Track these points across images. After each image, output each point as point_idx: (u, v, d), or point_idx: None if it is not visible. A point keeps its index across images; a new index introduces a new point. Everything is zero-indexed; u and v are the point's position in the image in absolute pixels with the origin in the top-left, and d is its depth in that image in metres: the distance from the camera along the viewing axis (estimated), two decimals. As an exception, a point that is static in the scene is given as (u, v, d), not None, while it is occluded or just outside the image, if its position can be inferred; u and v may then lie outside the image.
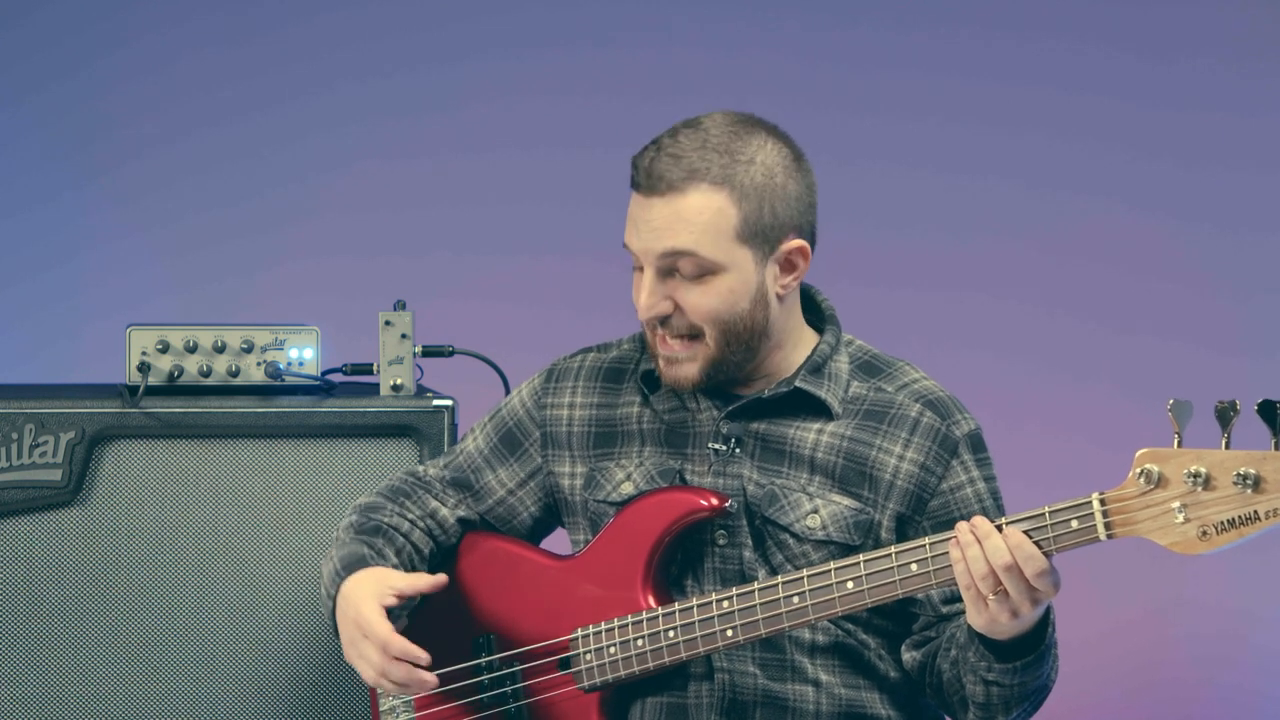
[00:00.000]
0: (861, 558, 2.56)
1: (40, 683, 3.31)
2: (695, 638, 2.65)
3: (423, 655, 2.65)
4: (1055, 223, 4.63)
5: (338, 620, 2.73)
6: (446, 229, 4.64)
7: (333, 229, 4.65)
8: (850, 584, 2.56)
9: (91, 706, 3.32)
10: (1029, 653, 2.53)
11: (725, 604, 2.63)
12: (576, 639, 2.72)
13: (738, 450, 2.72)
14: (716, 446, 2.72)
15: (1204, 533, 2.35)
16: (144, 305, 4.29)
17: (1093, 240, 4.62)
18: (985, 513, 2.67)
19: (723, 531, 2.70)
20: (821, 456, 2.70)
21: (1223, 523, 2.33)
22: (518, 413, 2.89)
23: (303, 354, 3.41)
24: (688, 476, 2.74)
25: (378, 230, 4.65)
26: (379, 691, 2.87)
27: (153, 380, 3.36)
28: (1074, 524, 2.42)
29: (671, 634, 2.66)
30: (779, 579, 2.61)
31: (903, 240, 4.62)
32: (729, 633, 2.63)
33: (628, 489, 2.76)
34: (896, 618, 2.72)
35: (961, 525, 2.47)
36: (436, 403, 3.38)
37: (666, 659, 2.67)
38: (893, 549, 2.55)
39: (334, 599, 2.74)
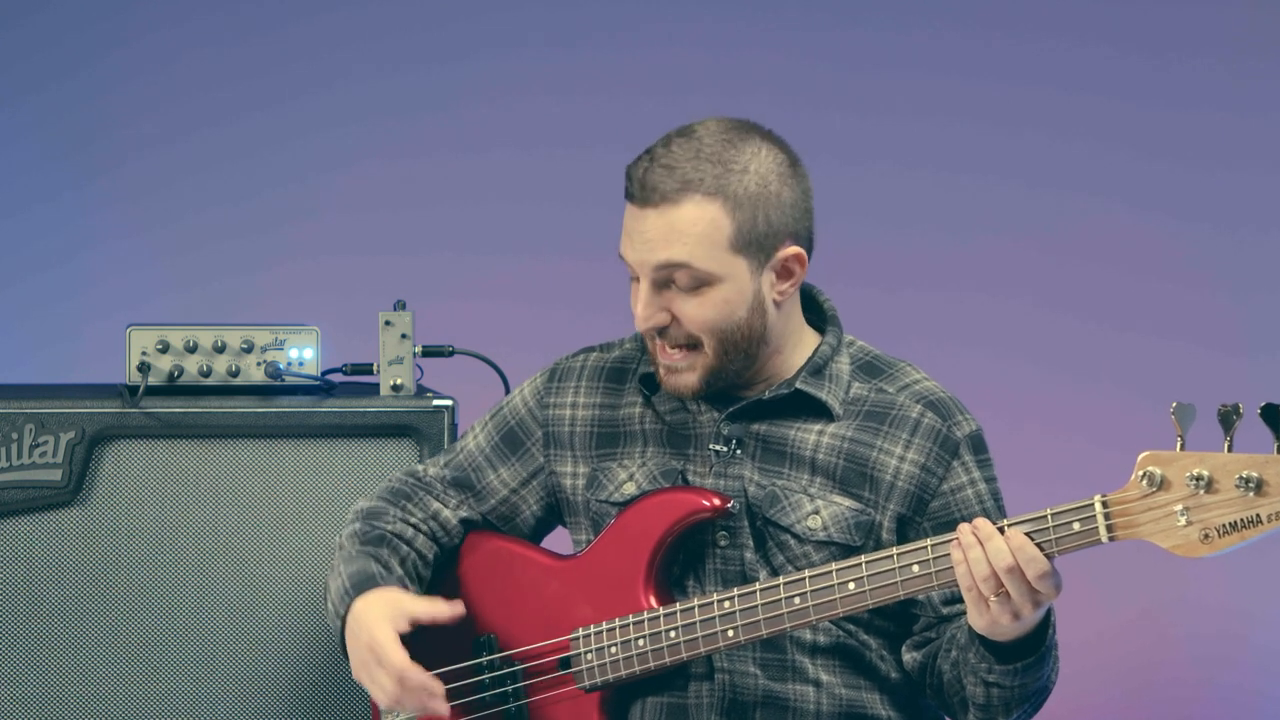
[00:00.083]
0: (863, 559, 2.56)
1: (40, 683, 3.31)
2: (696, 638, 2.65)
3: (439, 687, 2.65)
4: (1055, 223, 4.63)
5: (348, 640, 2.72)
6: (446, 229, 4.64)
7: (333, 229, 4.65)
8: (852, 585, 2.56)
9: (91, 706, 3.32)
10: (1030, 654, 2.53)
11: (726, 604, 2.63)
12: (577, 639, 2.72)
13: (739, 451, 2.72)
14: (717, 448, 2.72)
15: (1206, 535, 2.35)
16: (144, 305, 4.29)
17: (1093, 240, 4.62)
18: (986, 514, 2.67)
19: (724, 532, 2.71)
20: (822, 458, 2.70)
21: (1225, 525, 2.33)
22: (520, 412, 2.89)
23: (303, 354, 3.41)
24: (689, 477, 2.74)
25: (378, 230, 4.65)
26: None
27: (153, 380, 3.36)
28: (1076, 526, 2.42)
29: (672, 634, 2.66)
30: (780, 580, 2.61)
31: (903, 240, 4.62)
32: (730, 633, 2.63)
33: (630, 489, 2.76)
34: (897, 618, 2.72)
35: (963, 527, 2.47)
36: (436, 403, 3.38)
37: (667, 659, 2.67)
38: (894, 550, 2.55)
39: (344, 619, 2.73)
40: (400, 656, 2.64)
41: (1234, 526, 2.33)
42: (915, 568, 2.53)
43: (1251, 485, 2.31)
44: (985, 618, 2.48)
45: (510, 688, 2.77)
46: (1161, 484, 2.37)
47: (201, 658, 3.34)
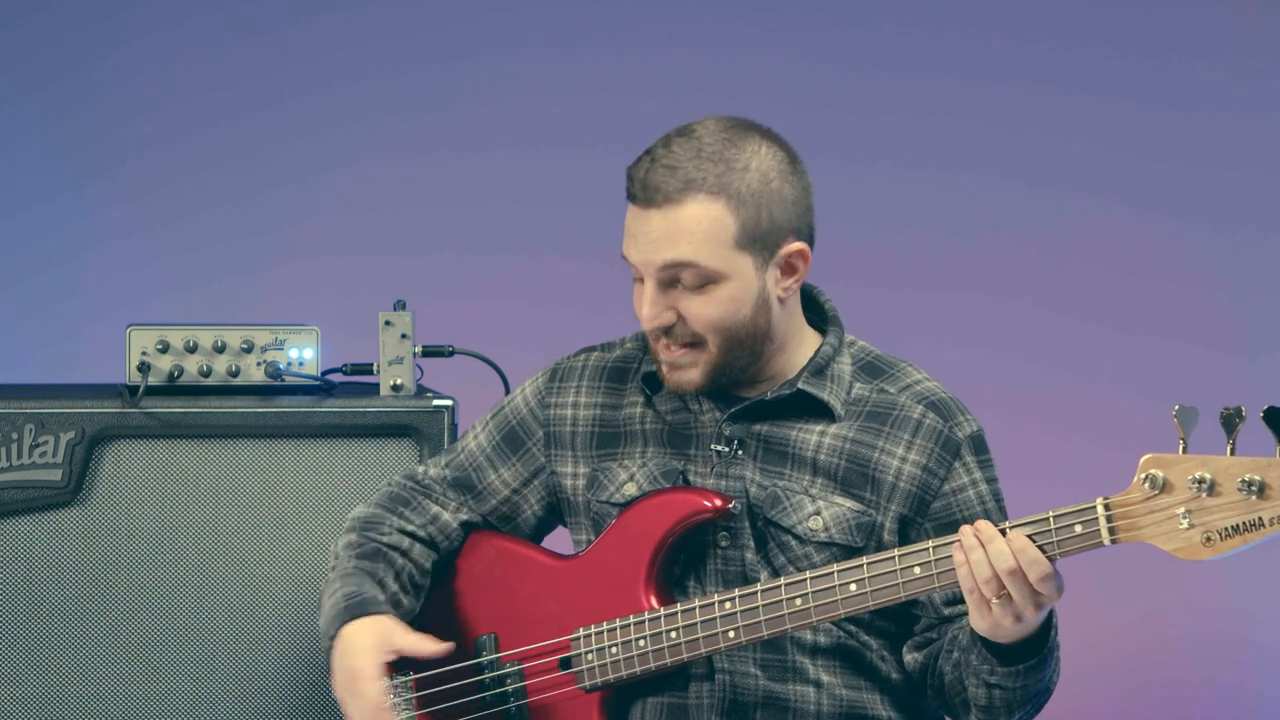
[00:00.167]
0: (864, 560, 2.56)
1: (40, 683, 3.30)
2: (697, 638, 2.65)
3: None
4: (1055, 223, 4.63)
5: (334, 659, 2.73)
6: (446, 229, 4.64)
7: (333, 229, 4.64)
8: (853, 586, 2.56)
9: (91, 706, 3.32)
10: (1032, 656, 2.53)
11: (727, 605, 2.63)
12: (578, 639, 2.72)
13: (740, 452, 2.72)
14: (719, 448, 2.72)
15: (1208, 539, 2.35)
16: (144, 305, 4.29)
17: (1093, 240, 4.62)
18: (987, 514, 2.67)
19: (725, 533, 2.70)
20: (824, 458, 2.70)
21: (1227, 529, 2.33)
22: (521, 412, 2.89)
23: (303, 354, 3.41)
24: (690, 478, 2.74)
25: (378, 230, 4.65)
26: (380, 692, 2.88)
27: (153, 380, 3.36)
28: (1078, 529, 2.42)
29: (673, 634, 2.66)
30: (781, 580, 2.61)
31: (903, 240, 4.62)
32: (731, 634, 2.63)
33: (631, 489, 2.76)
34: (898, 619, 2.72)
35: (965, 529, 2.48)
36: (436, 403, 3.38)
37: (668, 659, 2.67)
38: (895, 552, 2.55)
39: (333, 639, 2.73)
40: (376, 690, 2.68)
41: (1236, 529, 2.33)
42: (917, 569, 2.53)
43: (1254, 488, 2.31)
44: (987, 620, 2.48)
45: (511, 687, 2.77)
46: (1163, 487, 2.37)
47: (201, 658, 3.34)
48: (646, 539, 2.69)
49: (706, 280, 2.62)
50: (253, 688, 3.35)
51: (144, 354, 3.36)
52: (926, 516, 2.69)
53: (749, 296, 2.65)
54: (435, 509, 2.88)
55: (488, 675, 2.79)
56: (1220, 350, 4.54)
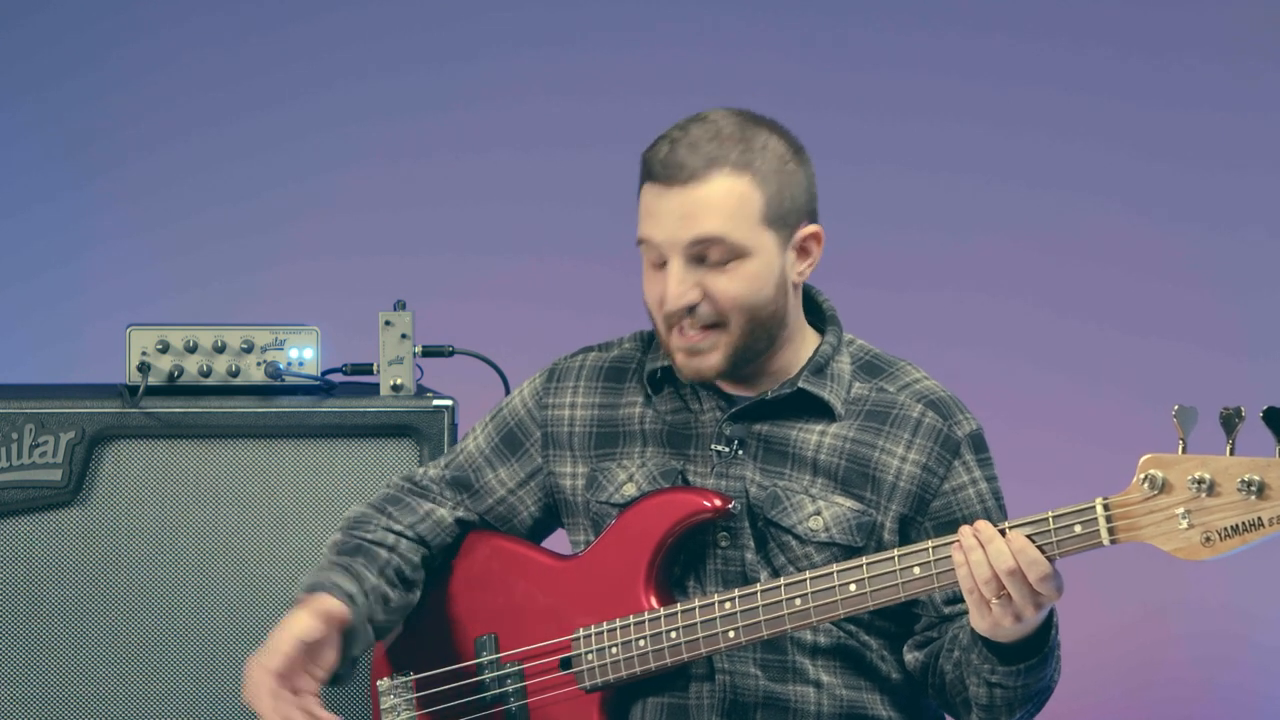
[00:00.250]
0: (864, 560, 2.56)
1: (40, 683, 3.30)
2: (697, 639, 2.65)
3: (262, 700, 2.66)
4: (1055, 223, 4.63)
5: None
6: (446, 229, 4.64)
7: (333, 229, 4.64)
8: (853, 586, 2.56)
9: (91, 706, 3.32)
10: (1033, 655, 2.53)
11: (727, 605, 2.63)
12: (578, 639, 2.72)
13: (740, 452, 2.72)
14: (719, 448, 2.72)
15: (1208, 539, 2.35)
16: (144, 305, 4.29)
17: (1093, 240, 4.62)
18: (987, 513, 2.67)
19: (725, 533, 2.70)
20: (824, 458, 2.70)
21: (1227, 529, 2.33)
22: (519, 412, 2.89)
23: (303, 354, 3.41)
24: (690, 478, 2.74)
25: (378, 230, 4.65)
26: (380, 691, 2.87)
27: (153, 380, 3.36)
28: (1077, 529, 2.42)
29: (673, 635, 2.66)
30: (781, 581, 2.61)
31: (903, 240, 4.62)
32: (731, 634, 2.63)
33: (630, 490, 2.76)
34: (898, 619, 2.72)
35: (964, 529, 2.48)
36: (436, 403, 3.38)
37: (668, 660, 2.67)
38: (895, 552, 2.55)
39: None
40: (273, 655, 2.65)
41: (1236, 530, 2.33)
42: (916, 569, 2.53)
43: (1253, 488, 2.31)
44: (987, 619, 2.48)
45: (511, 688, 2.77)
46: (1163, 487, 2.37)
47: (201, 658, 3.34)
48: (646, 539, 2.69)
49: (733, 255, 2.63)
50: (252, 688, 3.35)
51: (144, 354, 3.36)
52: (926, 515, 2.69)
53: (772, 275, 2.66)
54: (429, 506, 2.88)
55: (488, 675, 2.79)
56: (1220, 350, 4.54)
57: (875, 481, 2.69)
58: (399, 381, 3.41)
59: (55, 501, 3.30)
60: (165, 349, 3.37)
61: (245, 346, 3.39)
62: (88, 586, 3.31)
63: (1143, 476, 2.38)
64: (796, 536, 2.69)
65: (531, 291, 4.59)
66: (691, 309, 2.65)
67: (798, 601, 2.59)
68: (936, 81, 4.65)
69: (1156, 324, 4.58)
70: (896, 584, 2.54)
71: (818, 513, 2.69)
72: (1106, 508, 2.40)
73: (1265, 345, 4.55)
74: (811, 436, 2.71)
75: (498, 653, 2.79)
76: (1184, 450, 2.36)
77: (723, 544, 2.71)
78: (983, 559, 2.45)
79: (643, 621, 2.68)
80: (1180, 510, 2.36)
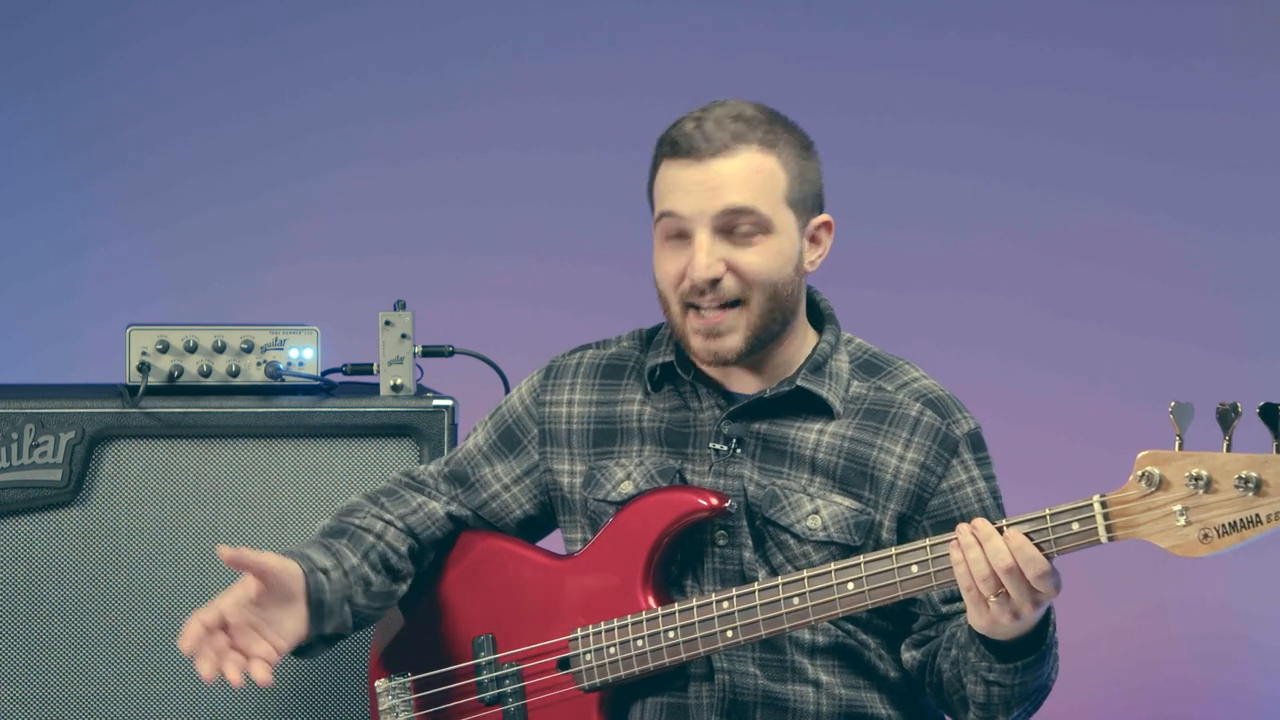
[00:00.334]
0: (862, 559, 2.56)
1: (40, 683, 3.30)
2: (695, 638, 2.65)
3: (186, 638, 2.66)
4: (1055, 223, 4.63)
5: None
6: (446, 229, 4.64)
7: (333, 229, 4.64)
8: (851, 585, 2.57)
9: (91, 706, 3.32)
10: (1030, 653, 2.53)
11: (725, 605, 2.63)
12: (576, 639, 2.73)
13: (739, 450, 2.72)
14: (718, 446, 2.73)
15: (1205, 535, 2.35)
16: (144, 305, 4.29)
17: (1093, 240, 4.62)
18: (985, 512, 2.67)
19: (723, 532, 2.71)
20: (823, 457, 2.70)
21: (1224, 525, 2.33)
22: (517, 410, 2.90)
23: (303, 354, 3.41)
24: (688, 476, 2.74)
25: (378, 230, 4.65)
26: (378, 692, 2.87)
27: (153, 380, 3.36)
28: (1075, 526, 2.42)
29: (671, 634, 2.66)
30: (779, 580, 2.61)
31: (903, 240, 4.61)
32: (729, 633, 2.63)
33: (627, 488, 2.76)
34: (896, 618, 2.72)
35: (962, 527, 2.48)
36: (436, 403, 3.38)
37: (666, 659, 2.67)
38: (893, 550, 2.55)
39: None
40: (208, 606, 2.67)
41: (1233, 526, 2.33)
42: (914, 568, 2.53)
43: (1251, 485, 2.31)
44: (985, 617, 2.48)
45: (509, 688, 2.77)
46: (1160, 484, 2.37)
47: (201, 658, 3.33)
48: (643, 538, 2.69)
49: (760, 229, 2.65)
50: (253, 688, 3.32)
51: (144, 354, 3.36)
52: (924, 514, 2.70)
53: (792, 256, 2.68)
54: (421, 499, 2.89)
55: (486, 676, 2.79)
56: (1219, 350, 4.54)
57: (873, 480, 2.69)
58: (399, 381, 3.41)
59: (55, 501, 3.30)
60: (165, 349, 3.37)
61: (245, 346, 3.39)
62: (88, 586, 3.31)
63: (1140, 474, 2.38)
64: (794, 535, 2.69)
65: (531, 291, 4.59)
66: (715, 283, 2.65)
67: (796, 601, 2.59)
68: (936, 81, 4.64)
69: (1156, 324, 4.57)
70: (894, 583, 2.54)
71: (816, 511, 2.69)
72: (1104, 505, 2.41)
73: (1264, 345, 4.54)
74: (810, 435, 2.72)
75: (495, 653, 2.79)
76: (1181, 447, 2.36)
77: (720, 542, 2.71)
78: (980, 557, 2.45)
79: (641, 621, 2.68)
80: (1178, 507, 2.36)
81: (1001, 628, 2.49)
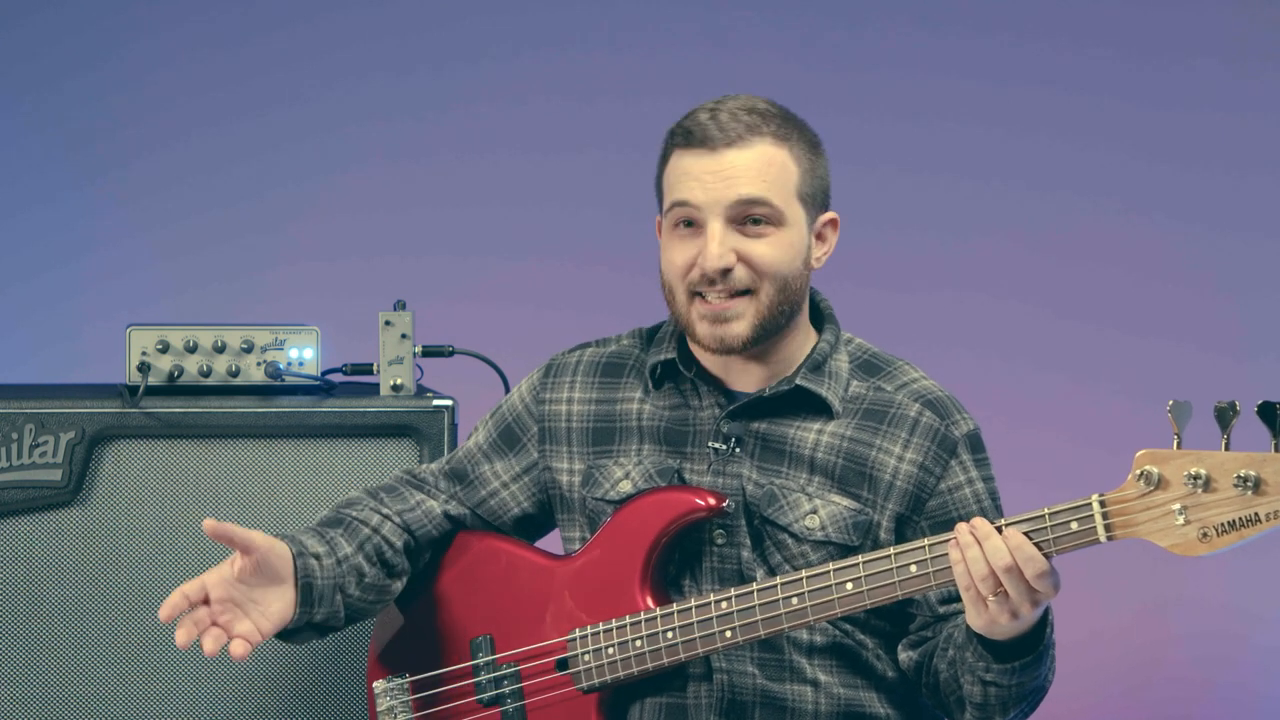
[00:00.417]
0: (860, 559, 2.56)
1: (40, 683, 3.30)
2: (694, 639, 2.65)
3: (165, 608, 2.65)
4: (1055, 223, 4.63)
5: None
6: (446, 229, 4.64)
7: (333, 229, 4.64)
8: (849, 585, 2.56)
9: (91, 706, 3.32)
10: (1028, 653, 2.53)
11: (724, 605, 2.63)
12: (574, 639, 2.72)
13: (738, 450, 2.72)
14: (717, 445, 2.73)
15: (1204, 534, 2.35)
16: (144, 305, 4.29)
17: (1093, 240, 4.62)
18: (983, 513, 2.67)
19: (721, 531, 2.71)
20: (821, 457, 2.70)
21: (1223, 524, 2.33)
22: (517, 408, 2.90)
23: (303, 354, 3.41)
24: (686, 475, 2.74)
25: (378, 230, 4.65)
26: (377, 692, 2.87)
27: (153, 380, 3.36)
28: (1074, 525, 2.42)
29: (670, 635, 2.66)
30: (778, 580, 2.61)
31: (903, 240, 4.61)
32: (728, 634, 2.63)
33: (626, 487, 2.76)
34: (893, 618, 2.72)
35: (961, 526, 2.48)
36: (436, 403, 3.38)
37: (665, 660, 2.67)
38: (891, 550, 2.55)
39: None
40: (192, 581, 2.66)
41: (1232, 525, 2.33)
42: (913, 567, 2.53)
43: (1249, 484, 2.31)
44: (983, 617, 2.48)
45: (508, 689, 2.77)
46: (1159, 483, 2.37)
47: (201, 658, 3.30)
48: (641, 538, 2.69)
49: (772, 221, 2.66)
50: (253, 688, 3.35)
51: (144, 354, 3.36)
52: (923, 515, 2.69)
53: (801, 250, 2.69)
54: (420, 496, 2.89)
55: (484, 677, 2.79)
56: (1219, 351, 4.54)
57: (872, 480, 2.69)
58: (399, 381, 3.41)
59: (55, 501, 3.30)
60: (165, 349, 3.37)
61: (245, 346, 3.39)
62: (88, 586, 3.31)
63: (1139, 473, 2.38)
64: (793, 535, 2.69)
65: (531, 291, 4.59)
66: (726, 273, 2.65)
67: (794, 601, 2.59)
68: (936, 81, 4.64)
69: (1154, 323, 4.57)
70: (893, 582, 2.54)
71: (814, 511, 2.69)
72: (1103, 504, 2.40)
73: (1263, 344, 4.54)
74: (809, 435, 2.71)
75: (494, 654, 2.79)
76: (1179, 445, 2.36)
77: (719, 541, 2.71)
78: (979, 556, 2.45)
79: (639, 622, 2.68)
80: (1177, 506, 2.36)
81: (999, 628, 2.49)
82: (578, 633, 2.72)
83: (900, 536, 2.68)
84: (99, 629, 3.31)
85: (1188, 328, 4.56)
